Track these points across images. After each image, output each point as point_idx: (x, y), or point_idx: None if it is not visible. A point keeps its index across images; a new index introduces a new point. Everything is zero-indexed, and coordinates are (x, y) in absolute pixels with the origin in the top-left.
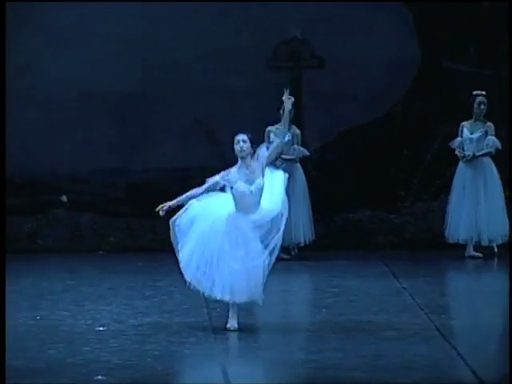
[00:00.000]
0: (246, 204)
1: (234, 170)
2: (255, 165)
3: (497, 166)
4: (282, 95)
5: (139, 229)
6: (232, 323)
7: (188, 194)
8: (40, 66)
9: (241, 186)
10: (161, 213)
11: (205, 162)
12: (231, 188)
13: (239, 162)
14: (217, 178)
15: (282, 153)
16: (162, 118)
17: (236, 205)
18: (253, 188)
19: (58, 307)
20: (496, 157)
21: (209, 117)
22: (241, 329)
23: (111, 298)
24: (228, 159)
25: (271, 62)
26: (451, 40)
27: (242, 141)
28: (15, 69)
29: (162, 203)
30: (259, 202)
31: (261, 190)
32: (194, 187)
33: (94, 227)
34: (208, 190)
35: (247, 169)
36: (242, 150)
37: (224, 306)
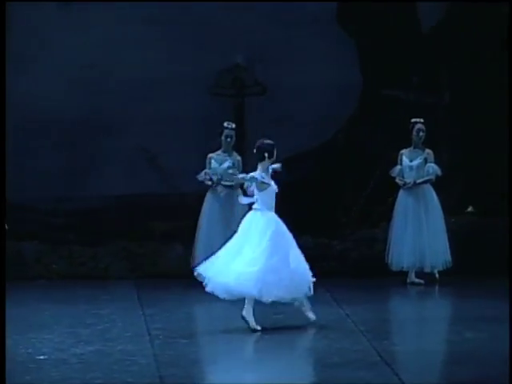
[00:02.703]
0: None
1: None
2: None
3: (437, 192)
4: (224, 122)
5: (81, 256)
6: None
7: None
8: None
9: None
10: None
11: (148, 189)
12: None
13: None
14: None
15: (221, 179)
16: (107, 144)
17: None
18: None
19: None
20: (436, 183)
21: (152, 144)
22: (185, 358)
23: (53, 326)
24: (171, 185)
25: (213, 89)
26: (393, 67)
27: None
28: None
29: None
30: None
31: None
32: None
33: (37, 255)
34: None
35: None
36: None
37: (166, 334)
